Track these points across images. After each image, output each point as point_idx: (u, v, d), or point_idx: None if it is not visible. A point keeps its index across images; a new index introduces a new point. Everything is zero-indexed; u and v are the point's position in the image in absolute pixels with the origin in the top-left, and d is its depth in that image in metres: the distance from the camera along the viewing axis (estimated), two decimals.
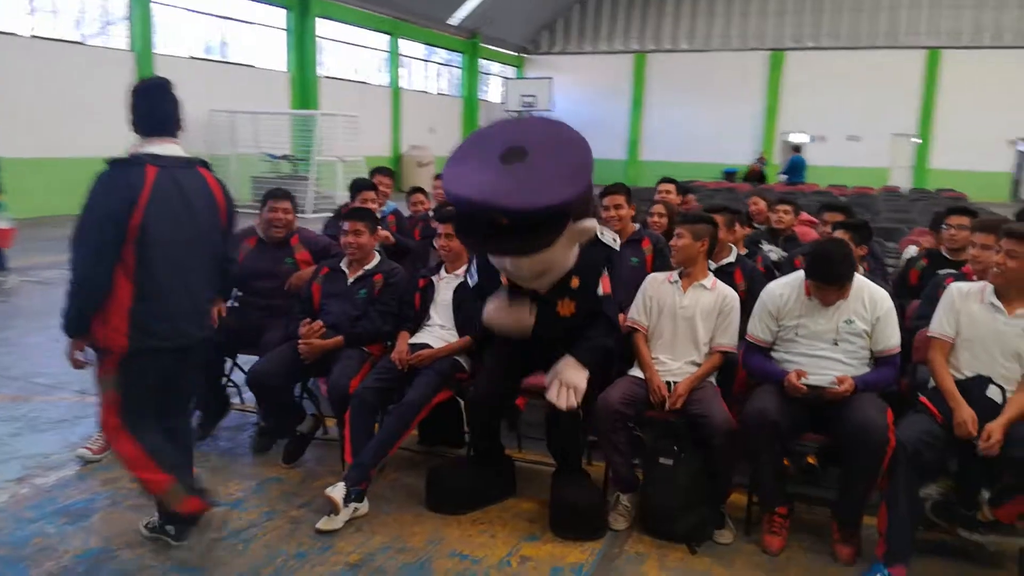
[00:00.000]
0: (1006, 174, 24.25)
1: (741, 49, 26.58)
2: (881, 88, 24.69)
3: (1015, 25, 23.65)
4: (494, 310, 3.41)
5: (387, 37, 22.87)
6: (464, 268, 4.04)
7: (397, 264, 4.32)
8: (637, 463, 3.61)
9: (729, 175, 23.21)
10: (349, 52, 21.89)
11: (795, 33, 26.07)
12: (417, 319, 4.08)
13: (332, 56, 21.11)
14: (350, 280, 4.14)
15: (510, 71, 29.67)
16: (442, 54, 26.31)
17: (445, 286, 4.07)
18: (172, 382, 3.11)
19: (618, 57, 28.05)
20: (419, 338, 4.01)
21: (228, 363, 4.53)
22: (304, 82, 19.38)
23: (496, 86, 29.25)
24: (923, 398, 3.33)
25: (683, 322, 3.71)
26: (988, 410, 3.15)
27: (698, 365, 3.69)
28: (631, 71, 27.90)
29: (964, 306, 3.38)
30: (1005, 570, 3.26)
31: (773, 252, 5.40)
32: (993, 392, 3.21)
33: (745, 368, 3.69)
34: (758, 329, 3.62)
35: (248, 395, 4.50)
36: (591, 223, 3.26)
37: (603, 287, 3.49)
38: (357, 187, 5.51)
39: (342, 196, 16.59)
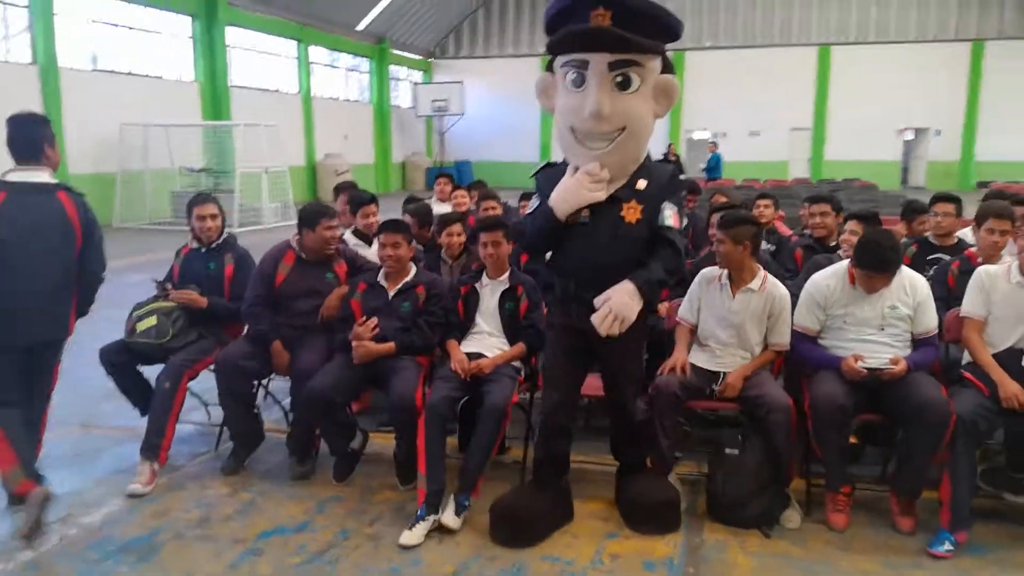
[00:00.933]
0: (895, 163, 25.87)
1: None
2: (778, 84, 25.91)
3: (897, 21, 25.27)
4: (562, 188, 3.27)
5: (296, 44, 22.41)
6: (507, 274, 4.08)
7: (436, 275, 4.30)
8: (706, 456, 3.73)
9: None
10: (259, 60, 21.33)
11: (694, 33, 26.98)
12: (464, 327, 4.08)
13: (242, 64, 20.52)
14: (391, 294, 4.10)
15: (417, 76, 29.55)
16: (351, 60, 25.95)
17: (489, 293, 4.09)
18: (29, 376, 3.66)
19: (526, 60, 28.38)
20: (468, 347, 4.01)
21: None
22: (215, 92, 18.78)
23: (406, 91, 29.08)
24: (967, 374, 3.58)
25: (731, 327, 3.82)
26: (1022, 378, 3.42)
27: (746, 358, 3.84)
28: (534, 75, 28.17)
29: (993, 286, 3.64)
30: None
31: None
32: None
33: (796, 357, 3.87)
34: (807, 319, 3.80)
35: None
36: (673, 80, 3.24)
37: (673, 220, 3.28)
38: (357, 202, 5.42)
39: (269, 208, 16.27)
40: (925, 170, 25.84)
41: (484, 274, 4.14)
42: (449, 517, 3.53)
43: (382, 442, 4.35)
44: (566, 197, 3.24)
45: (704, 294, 3.90)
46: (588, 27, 3.00)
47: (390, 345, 3.93)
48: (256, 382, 4.37)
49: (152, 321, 4.24)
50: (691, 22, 26.91)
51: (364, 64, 26.51)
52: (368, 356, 3.90)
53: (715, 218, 4.47)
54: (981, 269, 3.75)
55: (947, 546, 3.31)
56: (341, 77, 25.65)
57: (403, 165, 27.82)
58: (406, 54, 28.12)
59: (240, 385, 4.18)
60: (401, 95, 28.88)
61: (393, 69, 27.55)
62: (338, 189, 6.28)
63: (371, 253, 4.73)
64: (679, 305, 4.04)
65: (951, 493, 3.36)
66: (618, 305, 3.11)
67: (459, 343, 4.04)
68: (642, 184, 3.26)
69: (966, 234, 5.08)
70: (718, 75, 26.25)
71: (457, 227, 4.92)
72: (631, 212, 3.23)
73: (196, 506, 3.80)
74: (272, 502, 3.85)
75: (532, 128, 28.32)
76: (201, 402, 4.83)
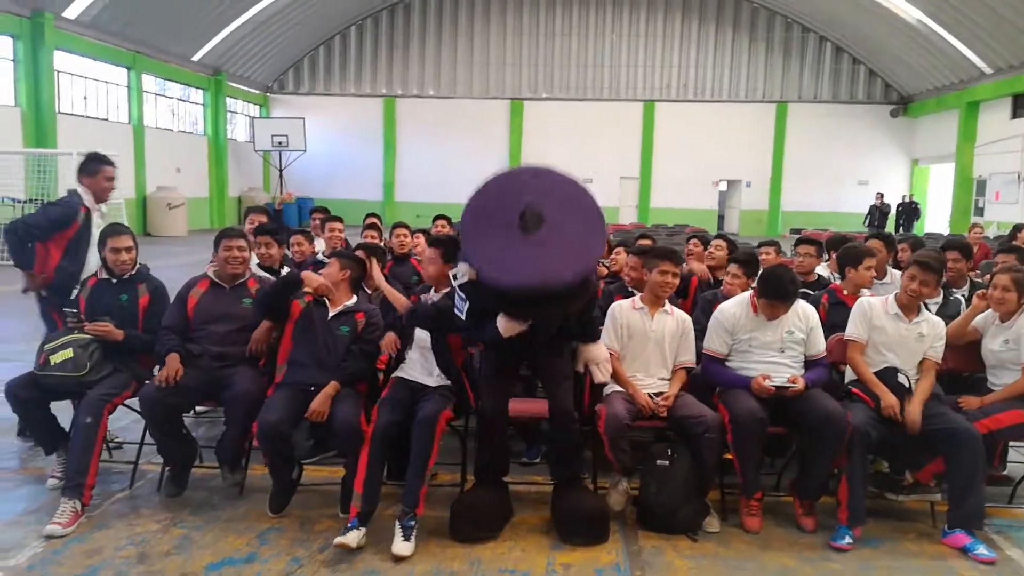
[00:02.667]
0: (713, 211, 28.09)
1: (484, 97, 28.24)
2: (609, 135, 27.55)
3: (713, 82, 27.64)
4: (503, 323, 3.69)
5: (127, 71, 21.32)
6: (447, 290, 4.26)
7: (374, 306, 4.40)
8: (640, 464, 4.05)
9: None
10: (87, 87, 20.08)
11: (531, 84, 28.25)
12: (406, 335, 4.21)
13: (68, 91, 19.24)
14: (331, 314, 4.16)
15: (254, 110, 28.84)
16: (185, 90, 24.95)
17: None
18: None
19: (367, 100, 28.50)
20: (405, 371, 4.15)
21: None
22: (39, 118, 17.48)
23: (242, 125, 28.26)
24: (855, 390, 4.13)
25: (654, 345, 4.25)
26: (901, 392, 4.01)
27: (666, 379, 4.24)
28: (381, 114, 28.45)
29: (874, 314, 4.24)
30: (921, 523, 4.11)
31: None
32: (901, 379, 4.09)
33: (707, 377, 4.29)
34: (716, 343, 4.25)
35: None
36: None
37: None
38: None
39: None
40: (738, 218, 28.23)
41: (431, 290, 4.30)
42: (400, 546, 3.58)
43: (311, 474, 4.36)
44: (510, 327, 3.69)
45: (623, 320, 4.27)
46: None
47: (334, 384, 3.98)
48: (181, 414, 4.25)
49: (68, 354, 4.05)
50: (529, 74, 28.18)
51: (198, 95, 25.57)
52: (325, 409, 3.92)
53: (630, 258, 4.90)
54: (863, 300, 4.35)
55: (847, 540, 3.80)
56: (174, 108, 24.58)
57: (239, 200, 26.94)
58: (243, 87, 27.40)
59: (169, 420, 4.07)
60: (237, 129, 28.05)
61: (229, 102, 26.74)
62: (248, 212, 6.19)
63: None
64: None
65: (848, 494, 3.86)
66: (595, 356, 3.95)
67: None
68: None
69: (822, 270, 5.80)
70: (555, 125, 27.54)
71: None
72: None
73: (129, 543, 3.66)
74: (209, 536, 3.77)
75: (375, 167, 28.39)
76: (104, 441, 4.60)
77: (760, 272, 4.26)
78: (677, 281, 4.34)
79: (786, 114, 27.59)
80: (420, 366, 4.15)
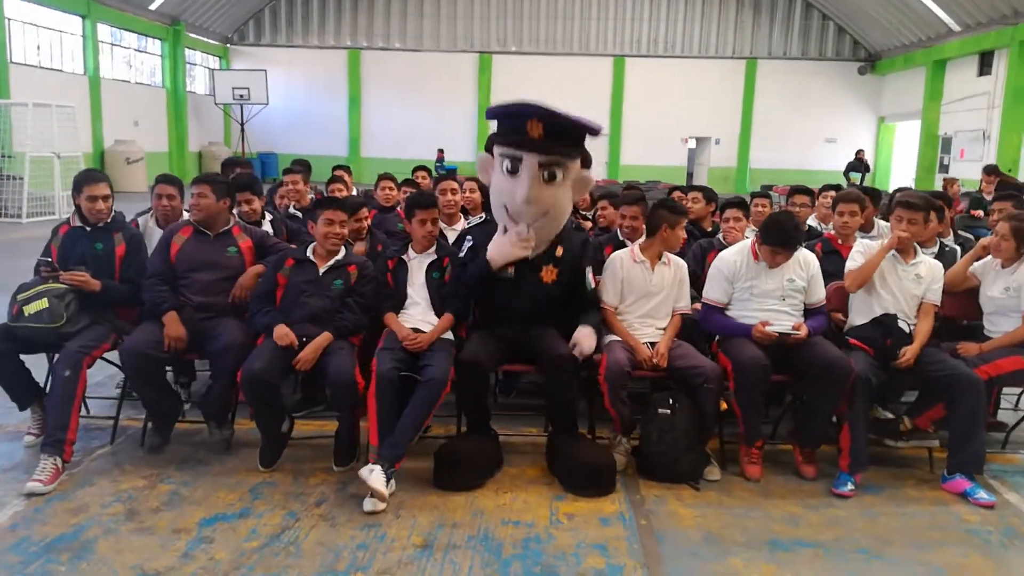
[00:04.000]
0: (682, 168, 28.03)
1: (451, 51, 27.68)
2: (578, 91, 27.08)
3: (683, 38, 27.39)
4: (495, 245, 3.96)
5: (82, 20, 20.47)
6: (433, 248, 4.15)
7: (364, 257, 4.24)
8: (639, 417, 3.99)
9: (450, 172, 24.14)
10: (39, 36, 19.25)
11: (500, 38, 27.72)
12: (398, 298, 4.07)
13: (20, 40, 18.42)
14: (321, 270, 3.99)
15: (214, 62, 27.98)
16: (142, 41, 24.08)
17: (418, 266, 4.12)
18: None
19: (331, 52, 27.74)
20: (404, 322, 4.00)
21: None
22: None
23: (202, 77, 27.41)
24: (852, 340, 4.09)
25: (655, 297, 4.18)
26: (903, 338, 3.98)
27: (663, 328, 4.16)
28: (346, 67, 27.76)
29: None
30: (919, 469, 4.12)
31: None
32: (902, 324, 4.05)
33: (706, 327, 4.23)
34: (716, 292, 4.18)
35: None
36: (589, 176, 4.04)
37: (592, 281, 4.12)
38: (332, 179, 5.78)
39: (62, 197, 14.76)
40: (707, 175, 28.22)
41: (410, 247, 4.16)
42: (380, 482, 3.44)
43: (302, 428, 4.23)
44: (500, 251, 3.94)
45: (624, 274, 4.17)
46: (525, 137, 3.70)
47: (326, 335, 3.83)
48: (165, 364, 4.09)
49: (43, 304, 3.84)
50: (497, 28, 27.63)
51: (156, 46, 24.70)
52: (314, 358, 3.78)
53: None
54: (863, 240, 4.31)
55: (849, 486, 3.79)
56: (130, 58, 23.72)
57: (200, 155, 26.23)
58: (202, 38, 26.50)
59: (152, 372, 3.90)
60: (197, 81, 27.19)
61: (188, 53, 25.87)
62: (225, 166, 5.96)
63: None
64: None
65: (850, 440, 3.84)
66: (587, 347, 3.86)
67: (395, 315, 4.03)
68: (559, 251, 4.03)
69: (811, 220, 5.75)
70: (524, 80, 27.03)
71: (364, 211, 4.85)
72: (548, 274, 4.01)
73: (116, 500, 3.51)
74: (199, 492, 3.63)
75: (340, 121, 27.75)
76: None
77: (765, 219, 4.18)
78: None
79: (756, 71, 27.45)
80: (420, 311, 4.01)
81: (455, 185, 5.34)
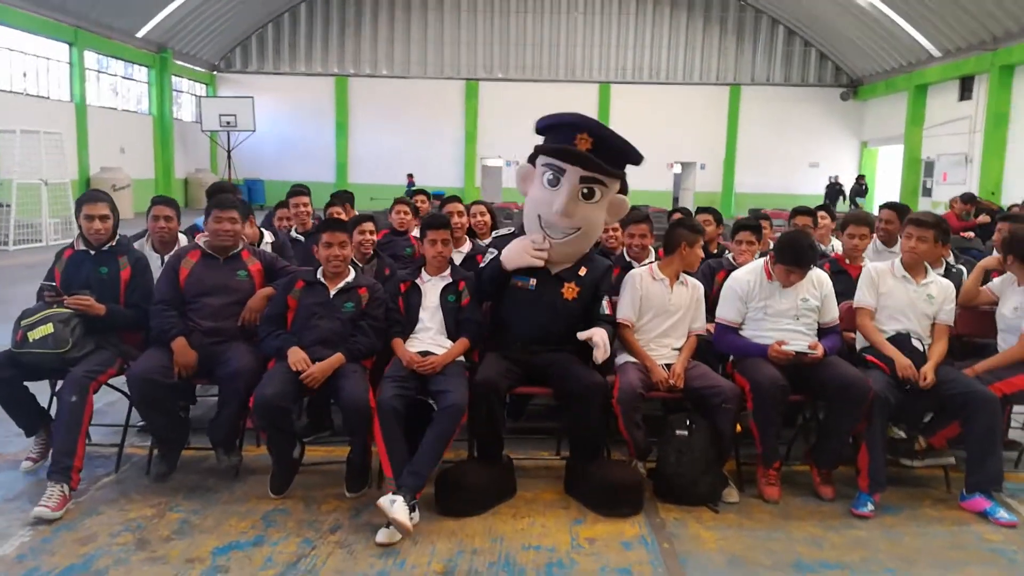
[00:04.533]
0: (668, 192, 28.21)
1: (438, 77, 27.81)
2: None
3: (668, 64, 27.69)
4: (511, 247, 4.03)
5: (69, 47, 20.41)
6: (448, 271, 4.10)
7: (374, 280, 4.19)
8: (653, 440, 3.94)
9: (437, 198, 24.15)
10: (26, 63, 19.15)
11: (487, 64, 27.90)
12: (408, 323, 4.01)
13: (6, 66, 18.31)
14: (332, 293, 3.94)
15: (201, 89, 27.95)
16: (129, 68, 24.03)
17: (431, 289, 4.07)
18: None
19: (318, 79, 27.80)
20: (414, 346, 3.95)
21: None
22: None
23: (188, 104, 27.36)
24: (869, 356, 4.07)
25: (673, 316, 4.16)
26: (917, 357, 3.97)
27: (679, 349, 4.13)
28: (333, 94, 27.81)
29: (882, 280, 4.20)
30: (935, 488, 4.09)
31: None
32: (916, 343, 4.05)
33: (720, 347, 4.20)
34: (730, 312, 4.16)
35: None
36: (625, 200, 4.09)
37: (608, 309, 4.10)
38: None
39: (49, 224, 14.62)
40: (693, 200, 28.39)
41: (423, 270, 4.11)
42: (403, 513, 3.33)
43: (312, 453, 4.15)
44: (512, 255, 4.02)
45: (643, 292, 4.14)
46: (573, 148, 3.75)
47: (338, 356, 3.78)
48: (176, 391, 4.00)
49: (48, 329, 3.76)
50: (483, 54, 27.82)
51: (143, 73, 24.65)
52: (323, 377, 3.71)
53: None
54: (870, 266, 4.31)
55: (869, 507, 3.76)
56: (116, 86, 23.65)
57: (186, 181, 26.12)
58: (189, 66, 26.50)
59: (159, 398, 3.82)
60: (184, 108, 27.14)
61: (175, 80, 25.84)
62: (212, 193, 5.89)
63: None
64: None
65: (869, 460, 3.81)
66: (602, 335, 3.83)
67: (403, 341, 3.97)
68: (583, 271, 4.06)
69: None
70: (510, 106, 27.21)
71: (369, 224, 4.78)
72: (569, 291, 4.02)
73: (125, 529, 3.42)
74: (209, 520, 3.55)
75: (327, 147, 27.75)
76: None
77: (779, 238, 4.17)
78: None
79: (739, 96, 27.76)
80: (431, 336, 3.96)
81: (461, 207, 5.32)
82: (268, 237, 5.05)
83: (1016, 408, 4.56)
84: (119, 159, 22.04)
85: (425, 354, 3.87)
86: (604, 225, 4.18)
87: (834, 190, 23.72)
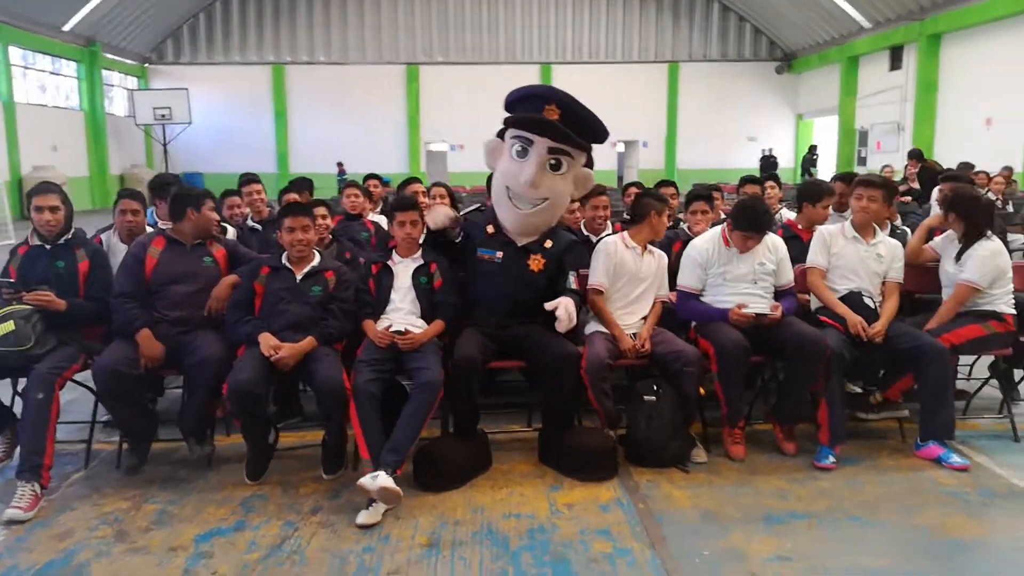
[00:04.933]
0: (612, 171, 28.46)
1: (378, 63, 27.52)
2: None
3: (607, 44, 27.87)
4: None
5: None
6: (419, 252, 4.13)
7: (339, 263, 4.20)
8: (621, 407, 4.04)
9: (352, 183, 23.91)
10: None
11: (426, 48, 27.70)
12: (379, 304, 4.03)
13: None
14: (299, 277, 3.93)
15: (132, 82, 27.18)
16: (58, 64, 23.23)
17: (403, 270, 4.08)
18: None
19: (255, 68, 27.26)
20: (384, 325, 3.96)
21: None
22: None
23: (121, 99, 26.59)
24: (823, 317, 4.23)
25: (643, 283, 4.26)
26: (868, 314, 4.14)
27: (644, 318, 4.24)
28: (270, 83, 27.32)
29: (833, 241, 4.35)
30: (892, 439, 4.28)
31: None
32: (867, 301, 4.21)
33: (683, 313, 4.31)
34: (691, 279, 4.27)
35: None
36: (591, 173, 4.22)
37: (575, 283, 4.16)
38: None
39: None
40: (637, 177, 28.71)
41: (394, 252, 4.13)
42: (389, 481, 3.37)
43: (285, 439, 4.14)
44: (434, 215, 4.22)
45: (617, 259, 4.22)
46: (541, 117, 3.86)
47: (310, 340, 3.78)
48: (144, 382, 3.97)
49: (9, 326, 3.69)
50: (423, 38, 27.58)
51: (71, 68, 23.86)
52: (295, 360, 3.72)
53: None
54: (821, 228, 4.46)
55: (831, 459, 3.93)
56: (44, 81, 22.86)
57: (121, 177, 25.41)
58: (120, 59, 25.73)
59: (126, 390, 3.77)
60: (116, 103, 26.36)
61: (105, 74, 25.07)
62: (156, 187, 5.79)
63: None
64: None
65: (828, 414, 3.97)
66: (568, 306, 3.89)
67: (374, 322, 3.99)
68: (548, 244, 4.16)
69: None
70: (452, 90, 27.15)
71: (322, 210, 4.75)
72: (536, 262, 4.12)
73: (102, 523, 3.39)
74: (188, 509, 3.53)
75: (267, 137, 27.30)
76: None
77: (734, 205, 4.29)
78: None
79: (678, 74, 28.09)
80: (402, 316, 3.99)
81: (421, 188, 5.34)
82: (231, 233, 4.98)
83: (961, 360, 4.78)
84: (51, 157, 21.37)
85: (398, 333, 3.90)
86: (571, 197, 4.25)
87: (768, 162, 24.19)
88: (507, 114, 4.09)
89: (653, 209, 4.25)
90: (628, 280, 4.23)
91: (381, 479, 3.34)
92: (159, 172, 24.40)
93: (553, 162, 3.94)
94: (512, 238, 4.12)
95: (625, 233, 4.34)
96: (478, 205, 4.36)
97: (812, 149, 23.93)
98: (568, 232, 4.58)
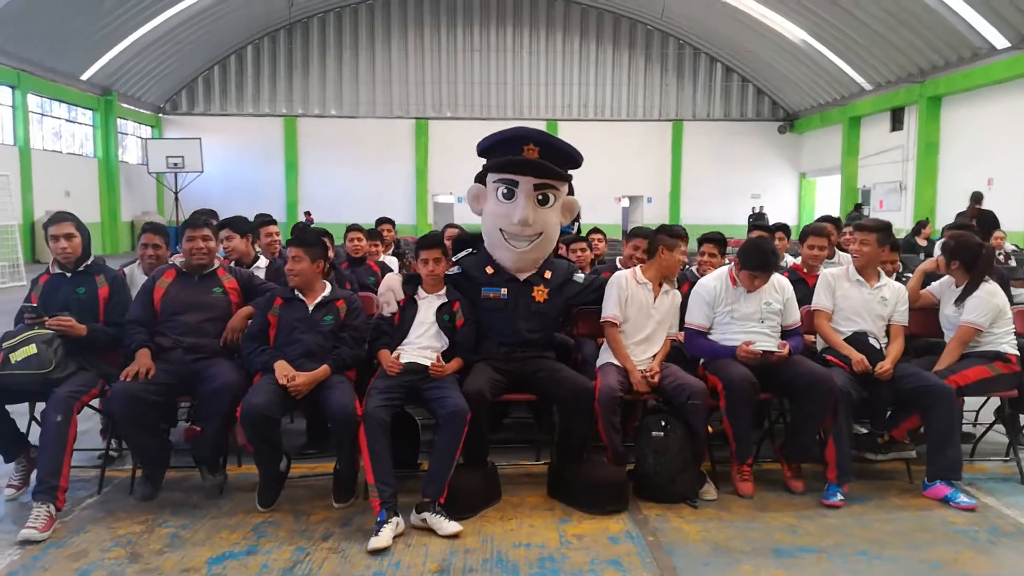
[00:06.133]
0: (617, 226, 28.69)
1: (388, 117, 28.03)
2: None
3: (612, 102, 28.38)
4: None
5: (11, 91, 20.10)
6: (444, 290, 4.23)
7: (350, 292, 4.30)
8: (630, 444, 4.08)
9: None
10: None
11: (435, 103, 28.23)
12: (399, 335, 4.11)
13: None
14: (311, 307, 4.02)
15: (146, 131, 27.67)
16: (74, 111, 23.72)
17: (427, 305, 4.17)
18: None
19: (267, 120, 27.77)
20: (400, 357, 4.03)
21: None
22: None
23: (133, 147, 27.05)
24: (829, 357, 4.29)
25: (654, 320, 4.34)
26: (874, 354, 4.20)
27: (654, 355, 4.31)
28: (282, 134, 27.81)
29: (838, 284, 4.44)
30: (899, 480, 4.30)
31: None
32: (872, 342, 4.28)
33: (690, 350, 4.37)
34: (699, 317, 4.35)
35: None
36: (576, 200, 4.43)
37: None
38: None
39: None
40: None
41: (420, 287, 4.22)
42: (448, 525, 3.53)
43: (296, 468, 4.18)
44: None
45: (628, 293, 4.31)
46: (524, 159, 4.08)
47: (325, 368, 3.86)
48: (160, 409, 4.03)
49: (31, 350, 3.76)
50: (432, 94, 28.10)
51: (87, 116, 24.34)
52: (308, 388, 3.79)
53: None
54: (826, 272, 4.56)
55: (839, 496, 3.95)
56: (59, 128, 23.31)
57: (132, 224, 25.70)
58: (135, 108, 26.26)
59: (142, 415, 3.83)
60: (129, 151, 26.81)
61: (120, 123, 25.55)
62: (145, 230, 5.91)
63: None
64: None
65: (836, 452, 4.01)
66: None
67: (390, 352, 4.06)
68: (548, 274, 4.34)
69: None
70: (460, 143, 27.43)
71: (274, 228, 5.12)
72: (540, 293, 4.27)
73: (115, 545, 3.42)
74: (200, 533, 3.56)
75: (277, 186, 27.68)
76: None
77: (742, 245, 4.39)
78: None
79: (682, 131, 28.54)
80: (418, 347, 4.06)
81: (390, 226, 5.59)
82: (263, 261, 5.10)
83: (967, 405, 4.82)
84: (64, 202, 21.56)
85: (413, 364, 3.96)
86: (559, 226, 4.35)
87: (758, 221, 24.38)
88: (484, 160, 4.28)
89: (663, 244, 4.34)
90: (638, 314, 4.31)
91: (434, 520, 3.54)
92: (170, 220, 24.80)
93: (540, 197, 4.13)
94: (513, 275, 4.25)
95: (637, 268, 4.43)
96: (468, 251, 4.46)
97: (858, 207, 24.08)
98: (560, 258, 4.76)
